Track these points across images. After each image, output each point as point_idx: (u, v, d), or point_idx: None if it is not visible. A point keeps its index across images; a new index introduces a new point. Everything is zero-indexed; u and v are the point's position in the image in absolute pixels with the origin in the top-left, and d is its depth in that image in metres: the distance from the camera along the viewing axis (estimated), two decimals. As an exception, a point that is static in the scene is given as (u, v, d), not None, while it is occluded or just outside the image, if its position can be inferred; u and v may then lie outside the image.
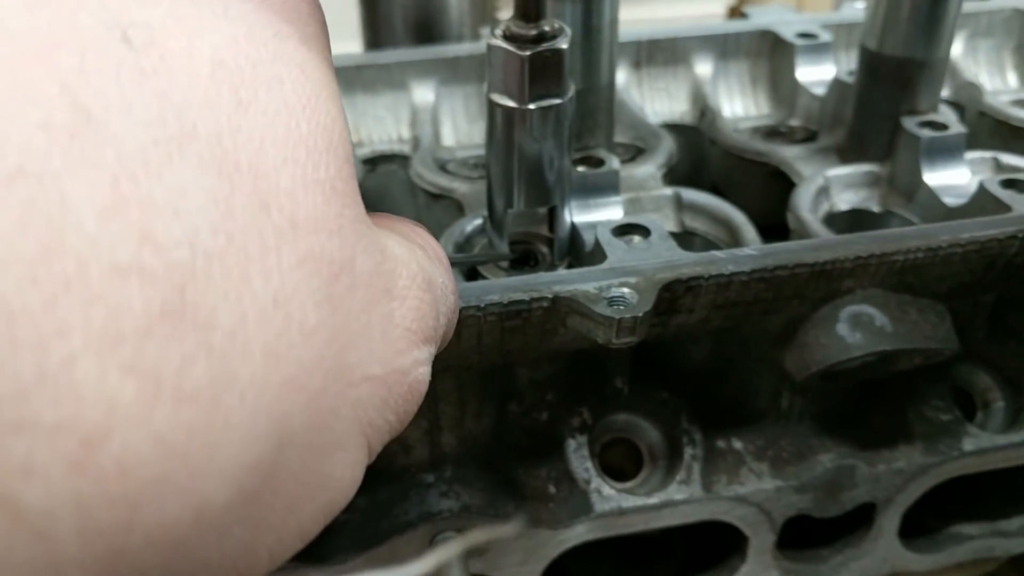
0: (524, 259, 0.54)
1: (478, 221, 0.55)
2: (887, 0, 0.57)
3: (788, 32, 0.72)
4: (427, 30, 0.74)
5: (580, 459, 0.51)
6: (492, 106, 0.46)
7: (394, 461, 0.50)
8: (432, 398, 0.48)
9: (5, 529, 0.17)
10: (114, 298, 0.18)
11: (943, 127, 0.57)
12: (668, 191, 0.58)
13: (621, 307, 0.42)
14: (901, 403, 0.54)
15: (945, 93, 0.68)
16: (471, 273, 0.53)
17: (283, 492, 0.23)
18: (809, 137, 0.69)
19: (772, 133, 0.70)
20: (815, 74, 0.70)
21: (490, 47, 0.44)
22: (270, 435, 0.21)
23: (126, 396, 0.18)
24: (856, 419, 0.54)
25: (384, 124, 0.70)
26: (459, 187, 0.60)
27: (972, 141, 0.58)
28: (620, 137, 0.65)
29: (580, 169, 0.54)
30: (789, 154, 0.64)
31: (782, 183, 0.63)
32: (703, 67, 0.74)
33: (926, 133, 0.57)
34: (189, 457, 0.19)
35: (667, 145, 0.63)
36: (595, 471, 0.51)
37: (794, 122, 0.71)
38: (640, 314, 0.41)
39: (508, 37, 0.44)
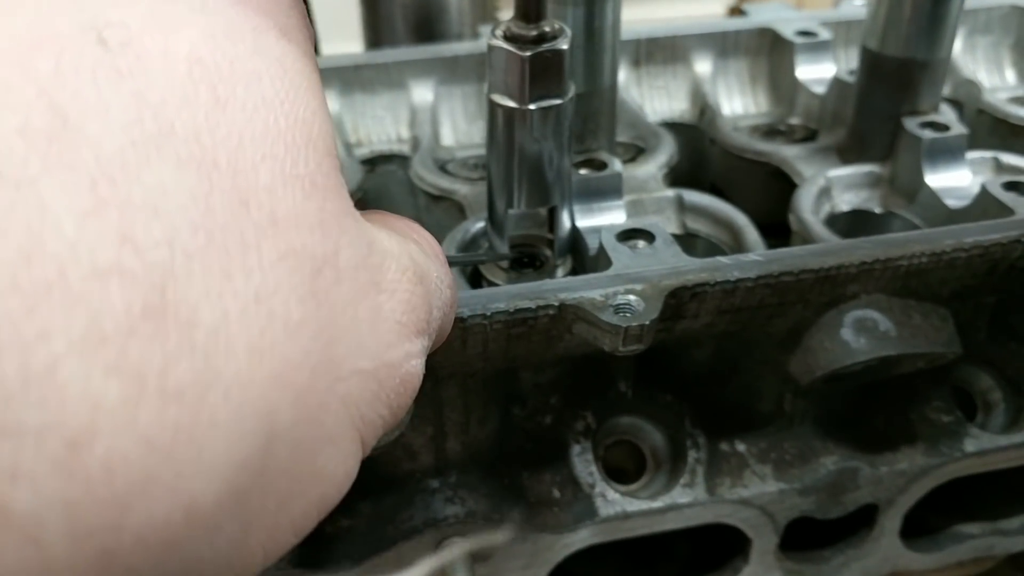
0: (524, 259, 0.54)
1: (481, 224, 0.55)
2: (888, 0, 0.56)
3: (787, 30, 0.72)
4: (428, 30, 0.74)
5: (584, 463, 0.51)
6: (492, 106, 0.46)
7: (399, 467, 0.50)
8: (437, 404, 0.48)
9: None
10: (95, 300, 0.18)
11: (944, 128, 0.57)
12: (670, 193, 0.58)
13: (627, 314, 0.42)
14: (903, 405, 0.54)
15: (944, 91, 0.68)
16: (474, 275, 0.53)
17: (274, 488, 0.23)
18: (809, 136, 0.69)
19: (772, 132, 0.70)
20: (815, 72, 0.70)
21: (491, 48, 0.44)
22: (257, 432, 0.21)
23: (110, 397, 0.18)
24: (858, 421, 0.54)
25: (383, 124, 0.70)
26: (460, 188, 0.60)
27: (971, 139, 0.58)
28: (620, 136, 0.64)
29: (582, 172, 0.54)
30: (789, 154, 0.64)
31: (782, 182, 0.63)
32: (702, 65, 0.74)
33: (927, 134, 0.57)
34: (176, 456, 0.19)
35: (668, 145, 0.63)
36: (599, 475, 0.51)
37: (794, 120, 0.71)
38: (647, 322, 0.41)
39: (509, 38, 0.44)
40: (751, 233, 0.55)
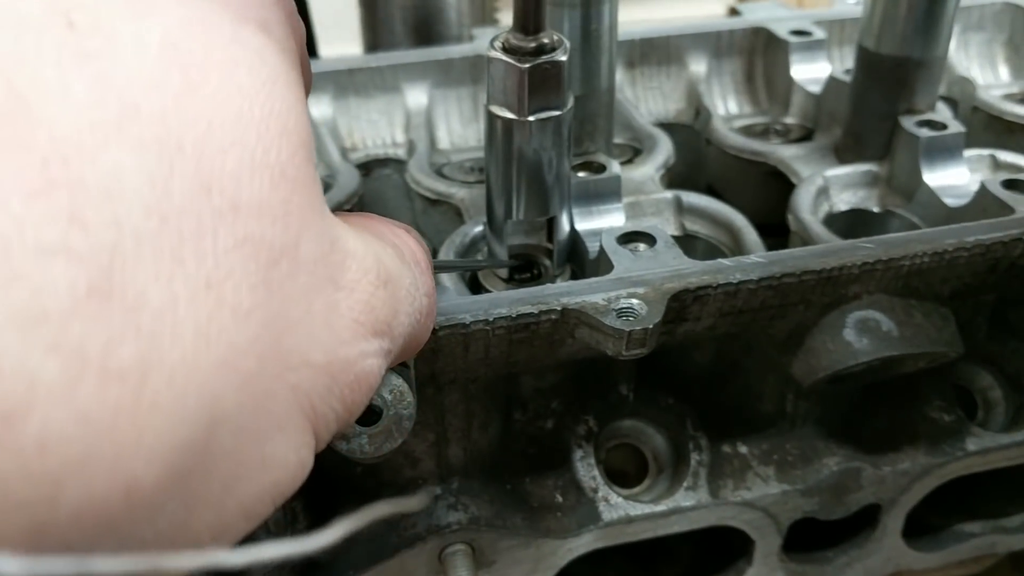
0: (524, 267, 0.53)
1: (480, 228, 0.55)
2: (884, -1, 0.56)
3: (781, 29, 0.72)
4: (426, 31, 0.74)
5: (587, 467, 0.51)
6: (491, 117, 0.45)
7: (401, 474, 0.49)
8: (439, 410, 0.47)
9: None
10: (37, 277, 0.18)
11: (942, 126, 0.57)
12: (668, 195, 0.58)
13: (630, 318, 0.41)
14: (904, 404, 0.54)
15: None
16: (473, 284, 0.52)
17: (218, 471, 0.23)
18: (805, 135, 0.69)
19: (767, 131, 0.70)
20: (810, 72, 0.70)
21: (489, 59, 0.44)
22: (200, 414, 0.21)
23: (48, 374, 0.18)
24: (860, 421, 0.54)
25: (378, 128, 0.70)
26: (457, 192, 0.60)
27: (966, 137, 0.58)
28: (616, 138, 0.64)
29: (581, 175, 0.54)
30: (786, 154, 0.64)
31: (779, 182, 0.63)
32: (697, 65, 0.74)
33: (925, 133, 0.57)
34: (115, 435, 0.19)
35: (664, 146, 0.63)
36: (602, 479, 0.51)
37: (789, 120, 0.71)
38: (650, 326, 0.41)
39: (507, 49, 0.43)
40: (750, 234, 0.55)
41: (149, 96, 0.21)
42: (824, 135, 0.66)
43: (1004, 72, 0.77)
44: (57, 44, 0.20)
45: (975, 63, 0.77)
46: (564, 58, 0.43)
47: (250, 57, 0.24)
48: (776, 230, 0.59)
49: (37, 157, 0.18)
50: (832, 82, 0.66)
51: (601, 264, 0.48)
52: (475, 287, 0.52)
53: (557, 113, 0.45)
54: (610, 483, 0.51)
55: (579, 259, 0.52)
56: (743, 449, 0.53)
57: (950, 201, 0.55)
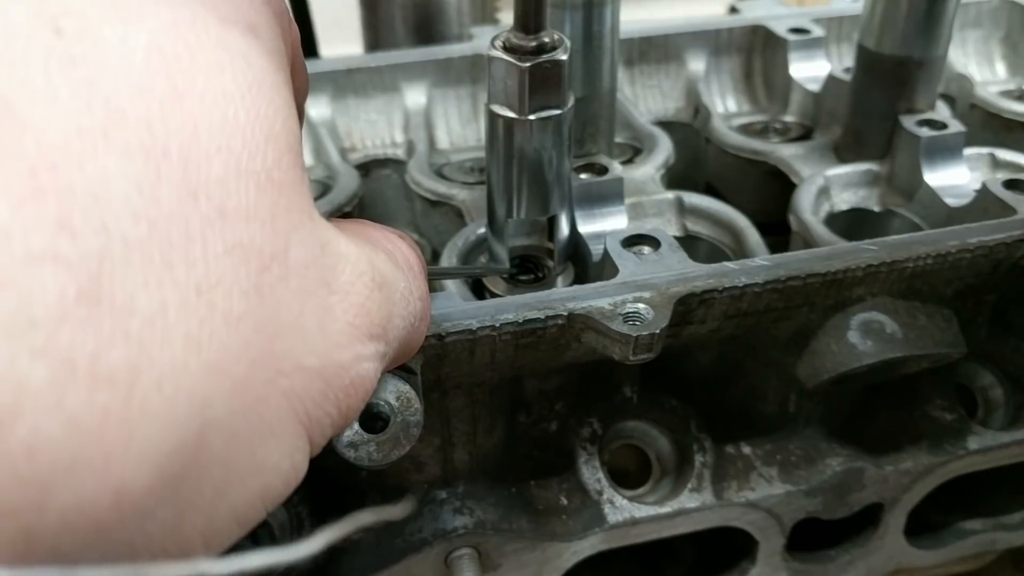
0: (525, 268, 0.53)
1: (481, 230, 0.55)
2: (885, -1, 0.56)
3: (780, 27, 0.72)
4: (427, 31, 0.73)
5: (591, 470, 0.51)
6: (492, 117, 0.45)
7: (407, 478, 0.49)
8: (444, 415, 0.47)
9: None
10: (26, 284, 0.18)
11: (942, 126, 0.57)
12: (670, 195, 0.57)
13: (637, 323, 0.41)
14: (907, 404, 0.54)
15: (937, 86, 0.68)
16: (476, 284, 0.52)
17: (209, 476, 0.23)
18: (804, 134, 0.69)
19: (766, 129, 0.70)
20: (808, 70, 0.70)
21: (490, 58, 0.44)
22: (191, 419, 0.21)
23: (36, 379, 0.18)
24: (863, 421, 0.54)
25: (377, 128, 0.69)
26: (458, 193, 0.60)
27: (965, 135, 0.58)
28: (616, 137, 0.64)
29: (583, 177, 0.54)
30: (786, 153, 0.64)
31: (779, 181, 0.63)
32: (696, 64, 0.73)
33: (925, 132, 0.57)
34: (105, 440, 0.19)
35: (664, 145, 0.63)
36: (606, 481, 0.51)
37: (788, 118, 0.71)
38: (657, 331, 0.41)
39: (508, 48, 0.43)
40: (752, 235, 0.55)
41: (135, 102, 0.21)
42: (824, 134, 0.66)
43: (1001, 69, 0.77)
44: (44, 50, 0.20)
45: (972, 60, 0.77)
46: (565, 57, 0.43)
47: (236, 61, 0.24)
48: (775, 228, 0.59)
49: (25, 164, 0.18)
50: (831, 81, 0.66)
51: (606, 267, 0.47)
52: (478, 288, 0.52)
53: (558, 112, 0.45)
54: (615, 485, 0.51)
55: (582, 262, 0.52)
56: (747, 450, 0.53)
57: (951, 201, 0.55)
